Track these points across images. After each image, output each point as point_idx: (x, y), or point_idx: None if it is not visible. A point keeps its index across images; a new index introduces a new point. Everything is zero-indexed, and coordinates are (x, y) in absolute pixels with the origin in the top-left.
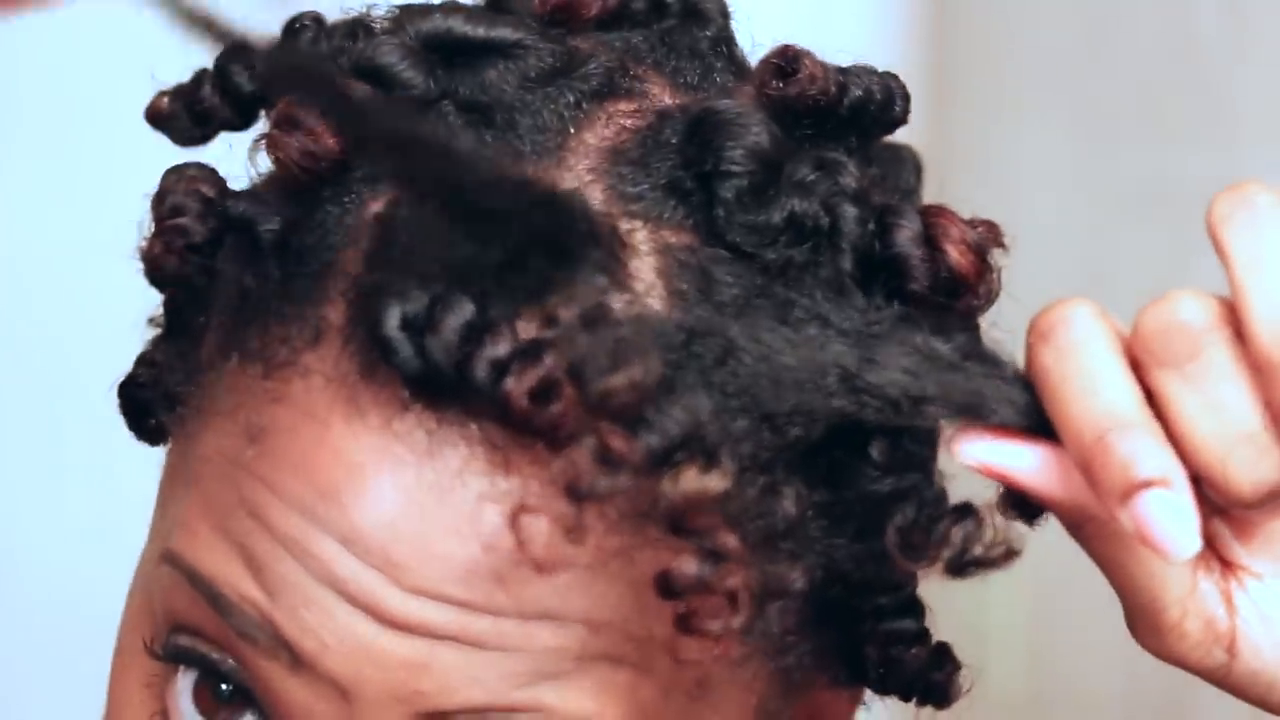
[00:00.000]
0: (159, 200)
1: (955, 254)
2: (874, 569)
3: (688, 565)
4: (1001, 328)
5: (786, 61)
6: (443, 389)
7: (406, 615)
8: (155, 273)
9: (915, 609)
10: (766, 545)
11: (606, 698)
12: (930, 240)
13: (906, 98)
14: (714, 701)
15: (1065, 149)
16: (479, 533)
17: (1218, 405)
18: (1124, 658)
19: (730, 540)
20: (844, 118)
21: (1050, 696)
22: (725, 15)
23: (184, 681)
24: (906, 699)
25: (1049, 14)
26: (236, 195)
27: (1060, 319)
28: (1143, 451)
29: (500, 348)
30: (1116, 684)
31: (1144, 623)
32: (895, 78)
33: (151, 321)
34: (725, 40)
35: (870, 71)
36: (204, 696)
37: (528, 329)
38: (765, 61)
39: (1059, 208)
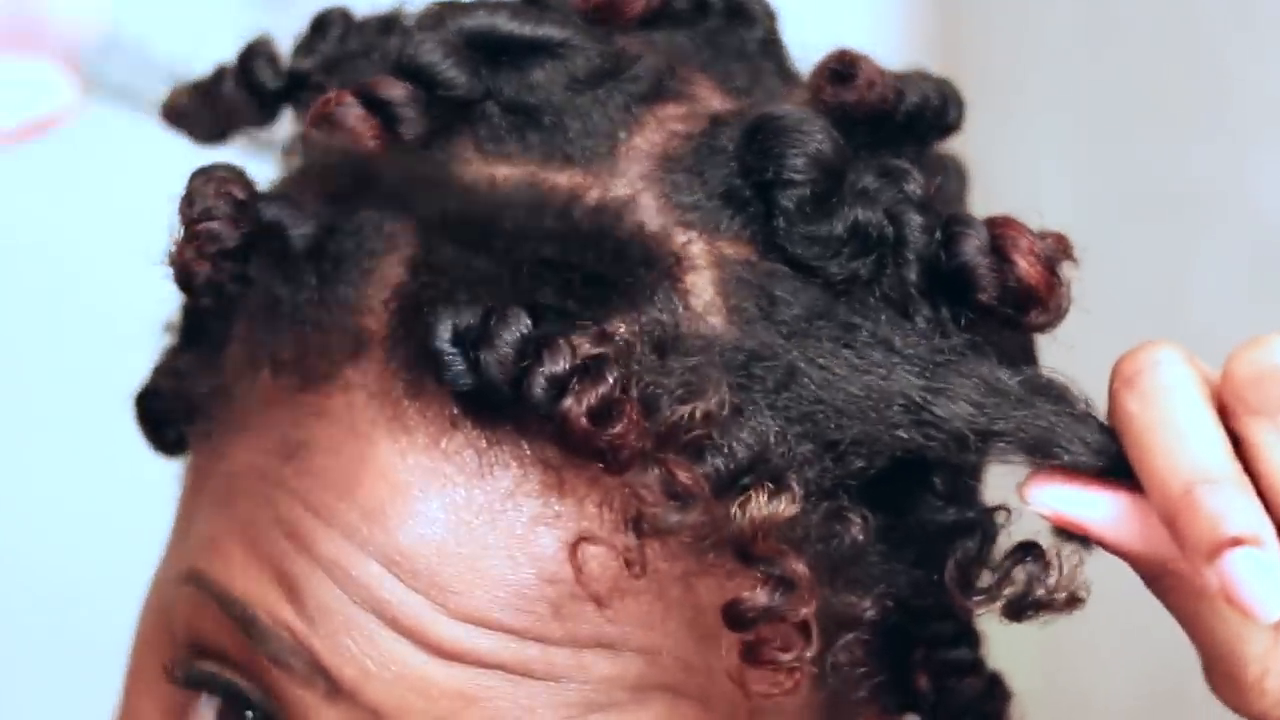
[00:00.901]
0: (188, 203)
1: (1024, 265)
2: (933, 596)
3: (758, 594)
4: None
5: (844, 66)
6: (496, 406)
7: (454, 642)
8: (186, 279)
9: (971, 638)
10: (835, 573)
11: None
12: (998, 250)
13: (961, 103)
14: None
15: (1068, 145)
16: (532, 557)
17: None
18: (1136, 667)
19: (800, 567)
20: (901, 124)
21: (1062, 704)
22: (771, 16)
23: (206, 708)
24: None
25: (1053, 10)
26: (268, 198)
27: (1147, 363)
28: (1232, 507)
29: (559, 363)
30: (1128, 691)
31: (1223, 677)
32: (949, 83)
33: (167, 329)
34: (772, 42)
35: (925, 77)
36: None
37: (586, 346)
38: (822, 66)
39: (1061, 204)
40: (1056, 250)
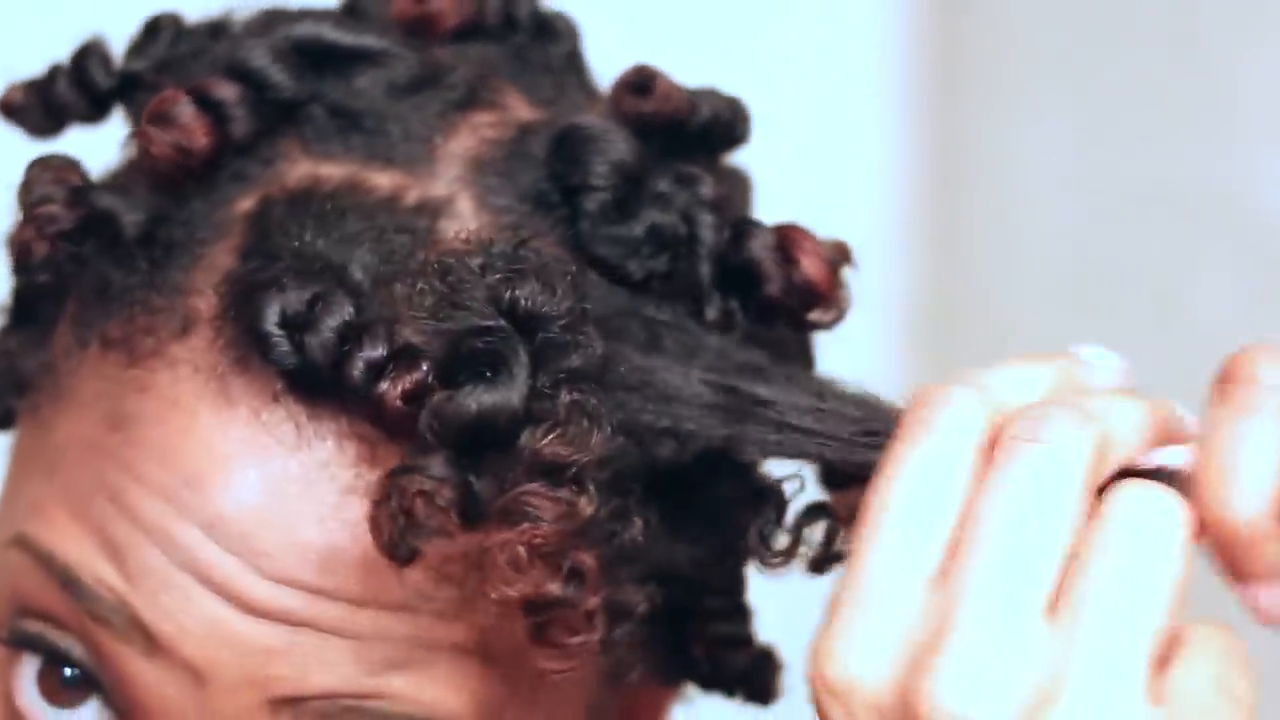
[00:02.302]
0: (26, 190)
1: (808, 263)
2: (709, 572)
3: (551, 584)
4: (1001, 327)
5: (642, 80)
6: (317, 385)
7: (266, 601)
8: (24, 259)
9: (743, 612)
10: (616, 565)
11: (453, 686)
12: (783, 249)
13: (748, 119)
14: (552, 694)
15: (1069, 145)
16: (342, 523)
17: None
18: None
19: (589, 559)
20: (694, 135)
21: None
22: (574, 34)
23: (28, 666)
24: (730, 696)
25: (1053, 8)
26: (101, 188)
27: (1249, 375)
28: None
29: (378, 349)
30: None
31: None
32: (739, 101)
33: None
34: (575, 57)
35: (716, 94)
36: (48, 681)
37: (404, 333)
38: (621, 80)
39: (1062, 204)
40: (838, 254)
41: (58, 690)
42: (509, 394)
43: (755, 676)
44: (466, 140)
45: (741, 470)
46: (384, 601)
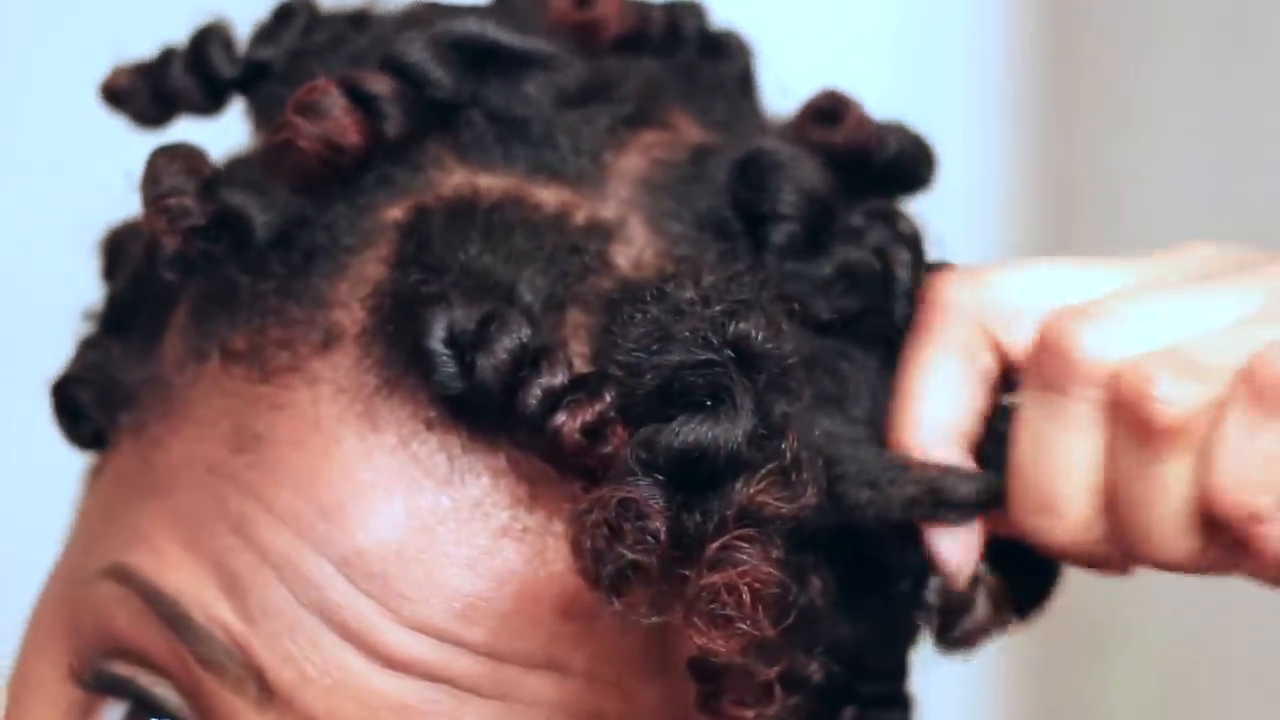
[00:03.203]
0: (152, 180)
1: None
2: (874, 652)
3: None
4: None
5: (834, 107)
6: (479, 412)
7: (401, 650)
8: (153, 254)
9: (904, 703)
10: (794, 633)
11: None
12: None
13: (935, 162)
14: None
15: (1200, 168)
16: (493, 569)
17: None
18: None
19: (769, 625)
20: (878, 172)
21: None
22: (747, 54)
23: (110, 715)
24: None
25: (1180, 17)
26: (231, 183)
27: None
28: None
29: (558, 376)
30: None
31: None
32: (925, 140)
33: (88, 316)
34: (748, 79)
35: (904, 129)
36: None
37: (582, 362)
38: (810, 105)
39: (1192, 233)
40: None
41: None
42: (732, 429)
43: None
44: (636, 160)
45: (917, 540)
46: (533, 660)
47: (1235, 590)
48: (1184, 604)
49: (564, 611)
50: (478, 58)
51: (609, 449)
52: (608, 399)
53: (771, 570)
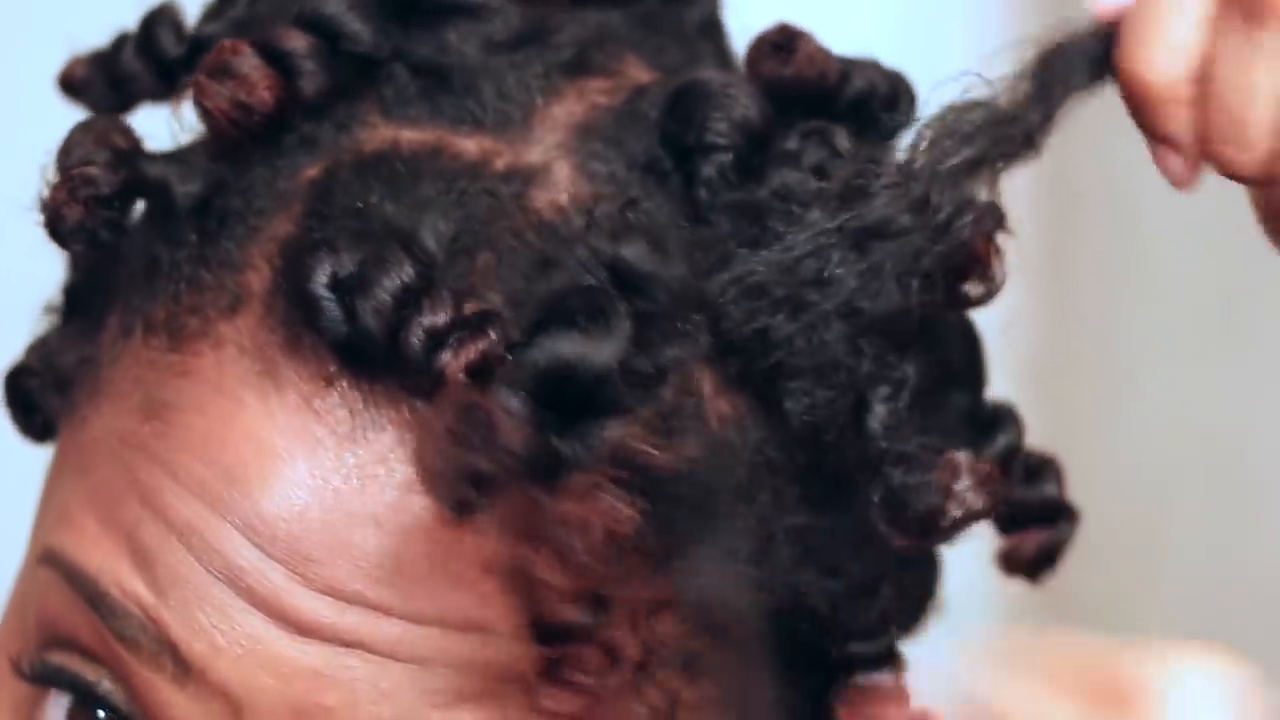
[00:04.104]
0: (65, 152)
1: (971, 231)
2: (850, 610)
3: (566, 609)
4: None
5: (783, 39)
6: (372, 359)
7: (312, 616)
8: (57, 224)
9: (893, 660)
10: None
11: None
12: None
13: (914, 99)
14: None
15: None
16: (400, 526)
17: None
18: None
19: (615, 574)
20: (843, 110)
21: None
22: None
23: (55, 708)
24: None
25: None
26: (153, 156)
27: None
28: None
29: (440, 315)
30: None
31: None
32: (905, 78)
33: (48, 311)
34: (714, 24)
35: (875, 65)
36: None
37: (482, 298)
38: (759, 39)
39: (1193, 232)
40: (994, 222)
41: None
42: (601, 348)
43: None
44: (573, 105)
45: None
46: (452, 618)
47: (1237, 589)
48: (1186, 603)
49: (482, 567)
50: (401, 9)
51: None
52: (493, 336)
53: (632, 516)
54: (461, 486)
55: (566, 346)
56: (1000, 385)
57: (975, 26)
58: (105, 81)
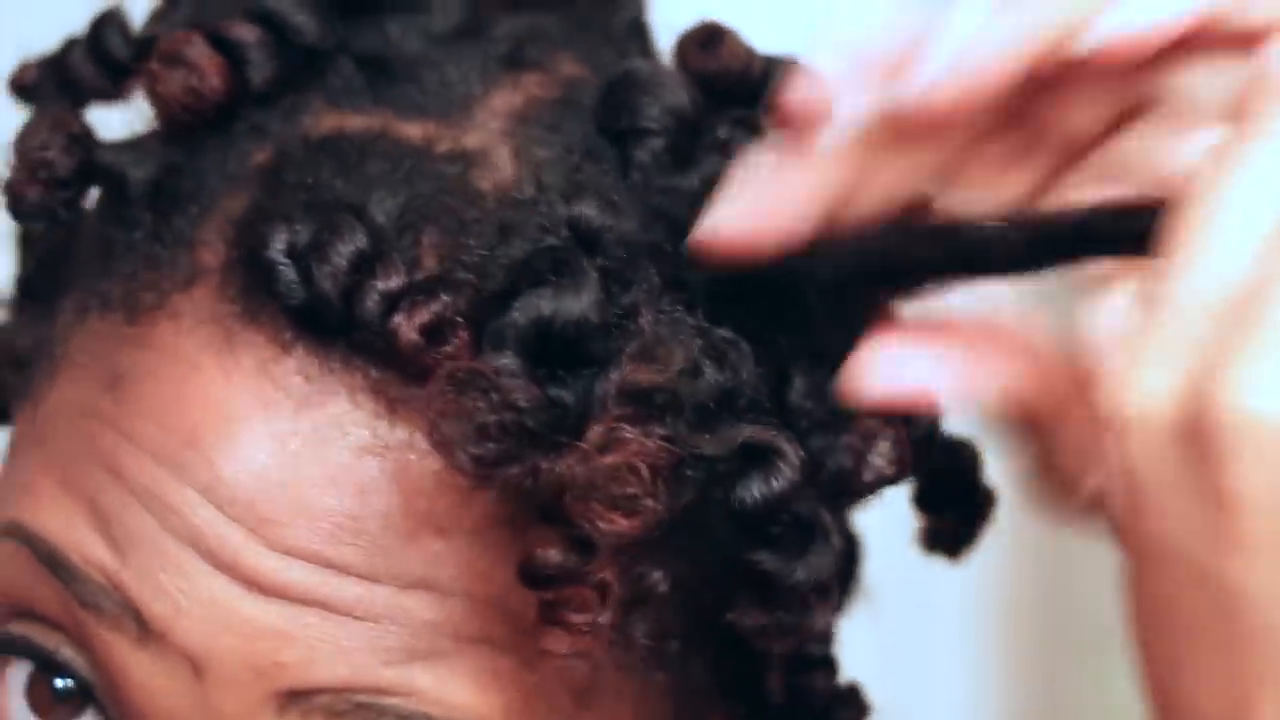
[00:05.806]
0: (22, 139)
1: None
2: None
3: (553, 553)
4: None
5: (708, 36)
6: (328, 324)
7: (271, 577)
8: (18, 203)
9: (830, 665)
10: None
11: (486, 686)
12: None
13: None
14: (600, 712)
15: None
16: (357, 486)
17: None
18: None
19: (673, 500)
20: (768, 103)
21: None
22: (639, 4)
23: (16, 676)
24: None
25: None
26: (106, 145)
27: None
28: None
29: (393, 279)
30: None
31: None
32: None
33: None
34: (639, 26)
35: (797, 64)
36: (39, 693)
37: (425, 266)
38: (685, 36)
39: None
40: None
41: (49, 704)
42: (576, 297)
43: (838, 714)
44: (511, 96)
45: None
46: (406, 578)
47: None
48: None
49: (435, 528)
50: (344, 4)
51: (449, 349)
52: (445, 299)
53: (661, 444)
54: (480, 446)
55: (544, 303)
56: None
57: None
58: (55, 83)
